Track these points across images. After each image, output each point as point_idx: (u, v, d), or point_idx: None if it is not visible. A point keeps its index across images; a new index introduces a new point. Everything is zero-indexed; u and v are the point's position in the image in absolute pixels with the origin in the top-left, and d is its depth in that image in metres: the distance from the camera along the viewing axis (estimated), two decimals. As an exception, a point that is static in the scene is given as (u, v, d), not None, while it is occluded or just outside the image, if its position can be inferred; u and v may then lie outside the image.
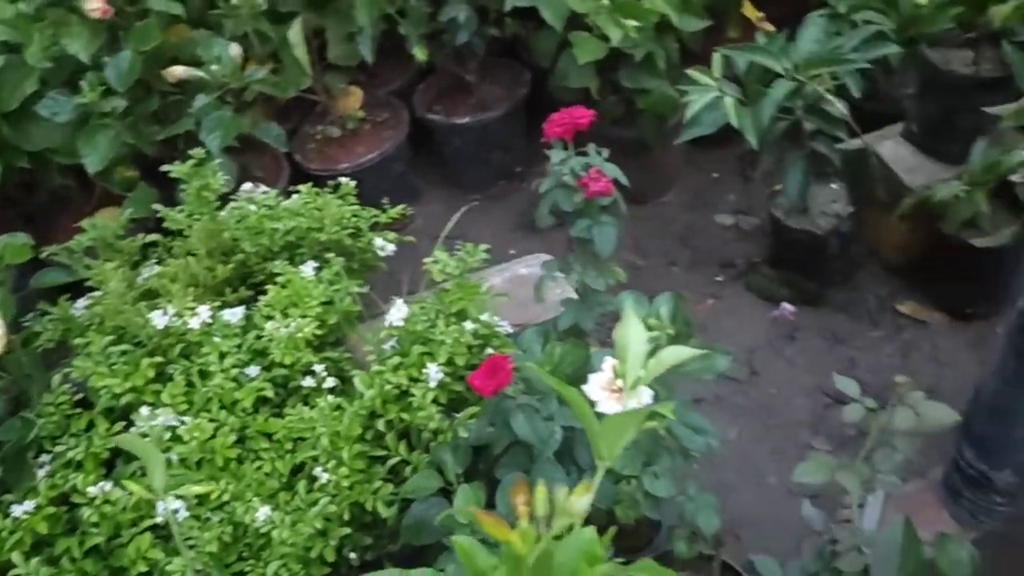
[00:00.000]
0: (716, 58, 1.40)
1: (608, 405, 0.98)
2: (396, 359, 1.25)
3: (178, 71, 1.64)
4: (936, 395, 1.59)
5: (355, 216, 1.51)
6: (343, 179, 1.53)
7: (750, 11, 1.93)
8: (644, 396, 1.01)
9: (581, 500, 0.54)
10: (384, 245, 1.51)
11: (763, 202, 1.88)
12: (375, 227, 1.55)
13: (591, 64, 1.71)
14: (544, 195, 1.22)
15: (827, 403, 1.63)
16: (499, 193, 2.18)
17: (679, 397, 1.05)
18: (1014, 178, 1.47)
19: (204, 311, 1.27)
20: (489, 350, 1.30)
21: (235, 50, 1.68)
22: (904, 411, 0.91)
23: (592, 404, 0.99)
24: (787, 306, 1.80)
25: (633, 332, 0.79)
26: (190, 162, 1.43)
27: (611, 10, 1.59)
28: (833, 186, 1.73)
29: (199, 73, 1.64)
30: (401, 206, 1.56)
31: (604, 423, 0.73)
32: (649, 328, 1.08)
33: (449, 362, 1.23)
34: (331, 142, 2.07)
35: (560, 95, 1.91)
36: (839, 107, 1.40)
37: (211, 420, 1.18)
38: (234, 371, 1.23)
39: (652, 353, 0.86)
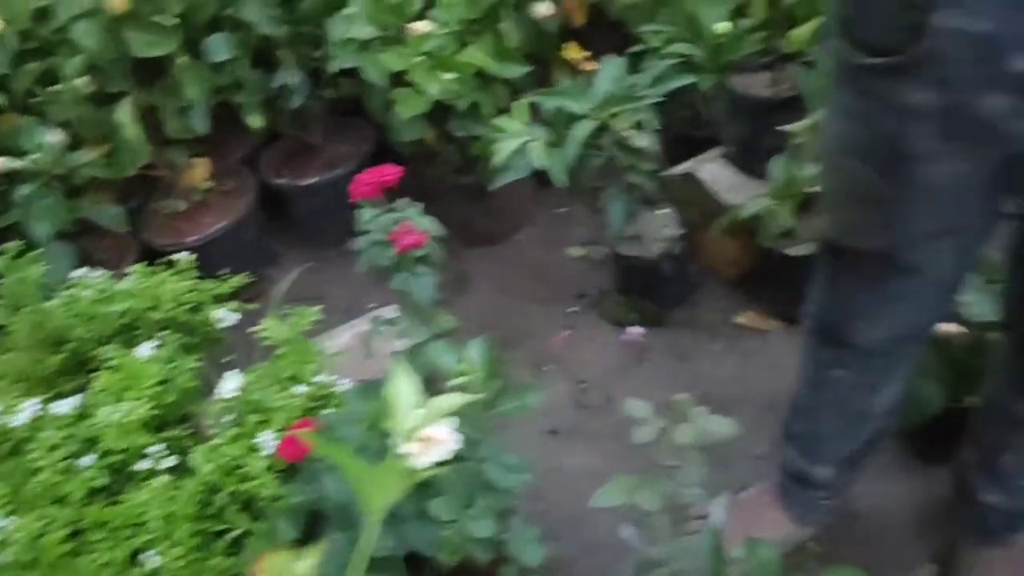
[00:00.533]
0: (517, 105, 1.47)
1: (419, 457, 1.02)
2: (234, 430, 1.26)
3: (-2, 164, 1.63)
4: (774, 399, 1.69)
5: (193, 291, 1.52)
6: (186, 253, 1.54)
7: (574, 52, 2.02)
8: (448, 445, 1.04)
9: (301, 564, 0.57)
10: (225, 316, 1.52)
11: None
12: (222, 298, 1.56)
13: (421, 116, 1.76)
14: (361, 253, 1.26)
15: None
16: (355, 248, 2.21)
17: (493, 437, 1.08)
18: (814, 189, 1.57)
19: (30, 406, 1.26)
20: (330, 410, 1.33)
21: (55, 136, 1.67)
22: (685, 427, 0.97)
23: (404, 456, 1.02)
24: (635, 330, 1.87)
25: (401, 387, 0.83)
26: (7, 255, 1.41)
27: (428, 66, 1.64)
28: (662, 212, 1.81)
29: (19, 163, 1.62)
30: (243, 274, 1.57)
31: (365, 481, 0.76)
32: (462, 374, 1.12)
33: (285, 428, 1.24)
34: (179, 216, 2.07)
35: (401, 148, 1.96)
36: (643, 141, 1.47)
37: (40, 517, 1.16)
38: (64, 463, 1.21)
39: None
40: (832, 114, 0.88)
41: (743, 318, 1.84)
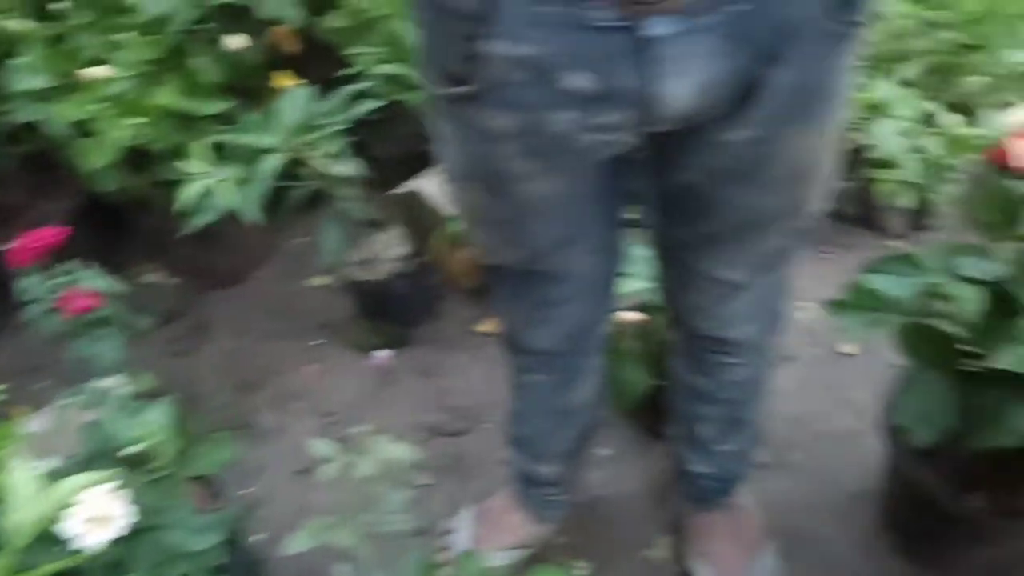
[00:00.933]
0: (197, 146, 1.42)
1: (92, 537, 0.94)
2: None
3: None
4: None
5: None
6: None
7: (286, 80, 1.97)
8: (122, 520, 0.97)
9: None
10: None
11: (348, 258, 1.93)
12: None
13: (117, 164, 1.66)
14: (33, 324, 1.17)
15: (426, 437, 1.70)
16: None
17: (183, 502, 1.03)
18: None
19: None
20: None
21: None
22: (367, 458, 0.96)
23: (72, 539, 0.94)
24: (381, 354, 1.86)
25: (17, 477, 0.76)
26: None
27: (112, 112, 1.55)
28: (390, 232, 1.81)
29: None
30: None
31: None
32: (140, 440, 1.05)
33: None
34: None
35: (110, 198, 1.84)
36: (344, 168, 1.46)
37: None
38: None
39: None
40: (438, 142, 0.89)
41: (484, 326, 1.88)
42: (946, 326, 1.05)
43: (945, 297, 1.00)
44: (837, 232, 1.92)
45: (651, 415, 1.52)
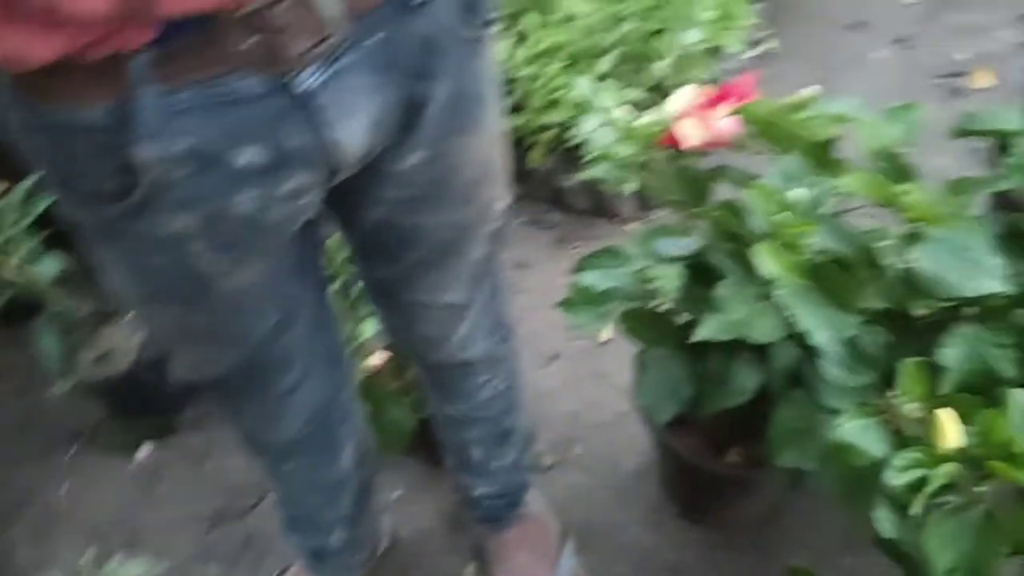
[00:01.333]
0: None
1: None
2: None
3: None
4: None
5: None
6: None
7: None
8: None
9: None
10: None
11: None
12: None
13: None
14: None
15: (209, 526, 1.59)
16: None
17: None
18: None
19: None
20: None
21: None
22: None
23: None
24: (144, 450, 1.73)
25: None
26: None
27: None
28: (121, 322, 1.69)
29: None
30: None
31: None
32: None
33: None
34: None
35: None
36: (46, 268, 1.34)
37: None
38: None
39: None
40: (104, 268, 0.80)
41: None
42: (662, 306, 1.11)
43: (651, 279, 1.05)
44: (577, 227, 2.00)
45: (429, 447, 1.51)
